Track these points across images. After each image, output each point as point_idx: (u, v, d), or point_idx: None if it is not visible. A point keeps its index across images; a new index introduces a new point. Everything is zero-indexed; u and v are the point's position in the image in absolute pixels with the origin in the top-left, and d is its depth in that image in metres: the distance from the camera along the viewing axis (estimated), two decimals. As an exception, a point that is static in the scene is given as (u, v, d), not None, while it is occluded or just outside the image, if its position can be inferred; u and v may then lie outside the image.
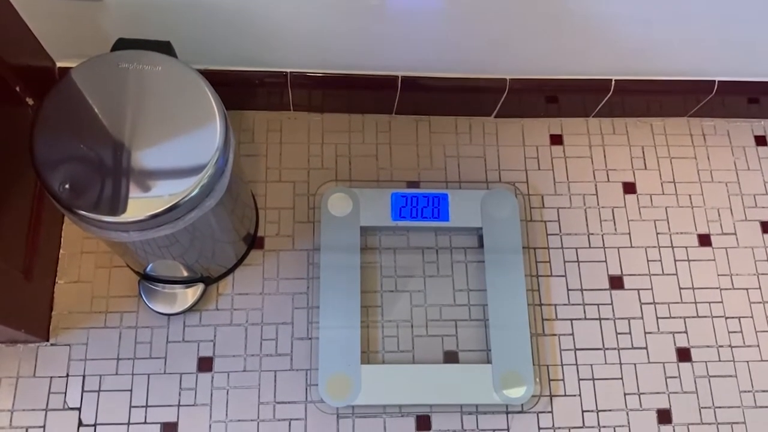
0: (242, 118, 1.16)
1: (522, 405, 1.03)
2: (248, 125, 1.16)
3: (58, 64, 1.03)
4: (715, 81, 1.13)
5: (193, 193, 0.76)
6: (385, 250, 1.10)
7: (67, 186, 0.74)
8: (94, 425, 0.98)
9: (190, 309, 1.03)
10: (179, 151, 0.77)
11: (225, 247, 1.02)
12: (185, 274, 1.01)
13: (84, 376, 1.00)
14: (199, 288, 1.03)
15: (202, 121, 0.78)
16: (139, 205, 0.75)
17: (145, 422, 0.99)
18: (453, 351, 1.06)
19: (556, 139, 1.20)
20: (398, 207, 1.09)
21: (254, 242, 1.09)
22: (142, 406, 0.99)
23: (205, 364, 1.02)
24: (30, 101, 0.96)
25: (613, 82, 1.11)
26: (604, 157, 1.19)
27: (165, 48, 0.83)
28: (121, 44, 0.82)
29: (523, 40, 1.02)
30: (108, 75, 0.79)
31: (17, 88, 0.93)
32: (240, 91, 1.10)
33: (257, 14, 0.93)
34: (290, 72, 1.07)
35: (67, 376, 1.00)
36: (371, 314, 1.06)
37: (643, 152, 1.20)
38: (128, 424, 0.98)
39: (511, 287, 1.07)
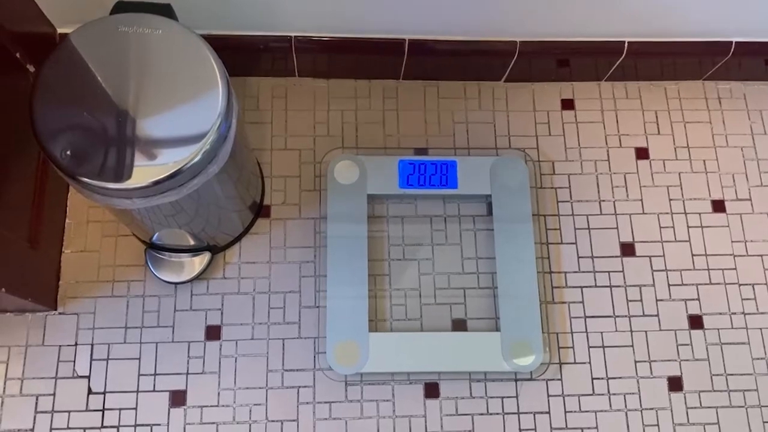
0: (246, 85, 1.14)
1: (531, 372, 1.02)
2: (253, 92, 1.14)
3: (59, 30, 1.01)
4: (731, 42, 1.09)
5: (196, 159, 0.74)
6: (392, 218, 1.09)
7: (68, 153, 0.73)
8: (104, 393, 0.98)
9: (197, 278, 1.02)
10: (181, 117, 0.75)
11: (231, 215, 1.01)
12: (192, 242, 1.01)
13: (92, 345, 1.01)
14: (205, 256, 1.02)
15: (204, 87, 0.76)
16: (142, 172, 0.73)
17: (154, 390, 0.99)
18: (461, 319, 1.05)
19: (568, 104, 1.17)
20: (406, 174, 1.08)
21: (261, 211, 1.08)
22: (151, 375, 1.00)
23: (213, 333, 1.02)
24: (31, 68, 0.95)
25: (626, 44, 1.08)
26: (617, 121, 1.16)
27: (165, 11, 0.81)
28: (121, 7, 0.80)
29: (532, 2, 0.99)
30: (107, 39, 0.77)
31: (17, 55, 0.91)
32: (244, 56, 1.08)
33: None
34: (295, 36, 1.05)
35: (76, 344, 1.00)
36: (379, 283, 1.06)
37: (657, 117, 1.17)
38: (137, 392, 0.99)
39: (520, 255, 1.06)
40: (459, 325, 1.04)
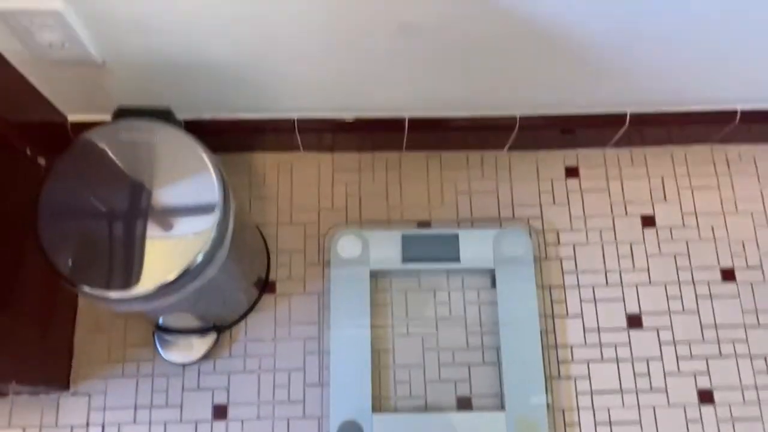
0: (253, 161, 1.16)
1: (537, 451, 1.01)
2: (259, 167, 1.16)
3: (70, 119, 1.04)
4: (736, 110, 1.08)
5: (195, 264, 0.76)
6: (396, 292, 1.10)
7: (70, 263, 0.76)
8: (114, 474, 1.01)
9: (204, 357, 1.04)
10: (178, 225, 0.77)
11: (235, 295, 1.03)
12: (198, 323, 1.02)
13: (103, 425, 1.03)
14: (212, 336, 1.04)
15: (200, 193, 0.78)
16: (141, 281, 0.75)
17: (162, 471, 1.01)
18: (466, 397, 1.05)
19: (572, 172, 1.17)
20: (408, 249, 1.08)
21: (266, 286, 1.10)
22: (160, 455, 1.02)
23: (219, 412, 1.04)
24: (42, 161, 0.98)
25: (628, 116, 1.08)
26: (622, 189, 1.16)
27: (165, 115, 0.84)
28: (121, 113, 0.83)
29: (530, 78, 0.99)
30: (106, 148, 0.79)
31: (27, 151, 0.94)
32: (249, 135, 1.11)
33: (259, 66, 0.92)
34: (297, 118, 1.07)
35: (88, 425, 1.03)
36: (383, 358, 1.06)
37: (663, 183, 1.16)
38: (146, 472, 1.01)
39: (525, 329, 1.05)
40: (464, 403, 1.04)
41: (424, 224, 1.13)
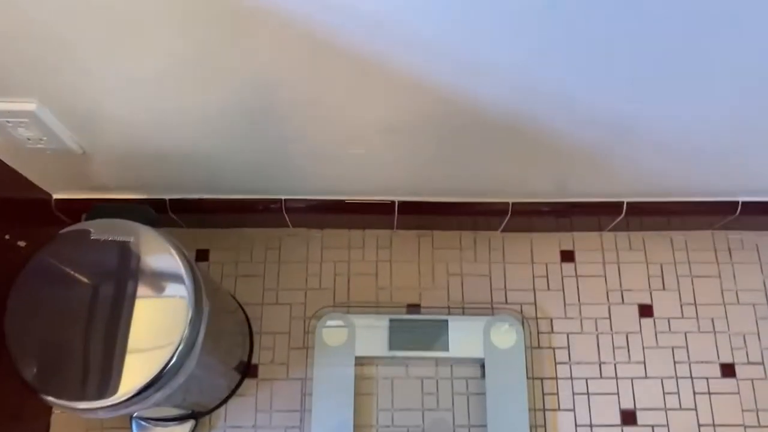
0: (241, 237, 1.14)
1: None
2: (247, 243, 1.14)
3: (55, 196, 1.03)
4: (738, 201, 1.04)
5: (164, 372, 0.74)
6: (382, 379, 1.06)
7: (35, 369, 0.73)
8: None
9: (182, 444, 1.01)
10: (147, 333, 0.75)
11: (215, 383, 1.00)
12: (175, 412, 1.00)
13: None
14: (189, 424, 1.01)
15: (171, 300, 0.76)
16: (105, 391, 0.73)
17: None
18: (450, 495, 1.01)
19: (568, 256, 1.13)
20: (396, 335, 1.05)
21: (248, 370, 1.07)
22: None
23: (195, 502, 1.01)
24: (22, 244, 0.96)
25: (625, 205, 1.04)
26: (619, 275, 1.12)
27: (143, 213, 0.82)
28: (98, 212, 0.81)
29: (524, 168, 0.96)
30: (80, 249, 0.77)
31: (6, 237, 0.93)
32: (238, 213, 1.08)
33: (246, 152, 0.91)
34: (285, 198, 1.05)
35: None
36: (367, 449, 1.03)
37: (662, 270, 1.12)
38: None
39: (514, 424, 1.01)
40: (447, 502, 1.01)
41: (414, 308, 1.10)
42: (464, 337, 1.05)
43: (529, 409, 1.02)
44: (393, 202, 1.05)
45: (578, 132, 0.82)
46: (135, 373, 0.74)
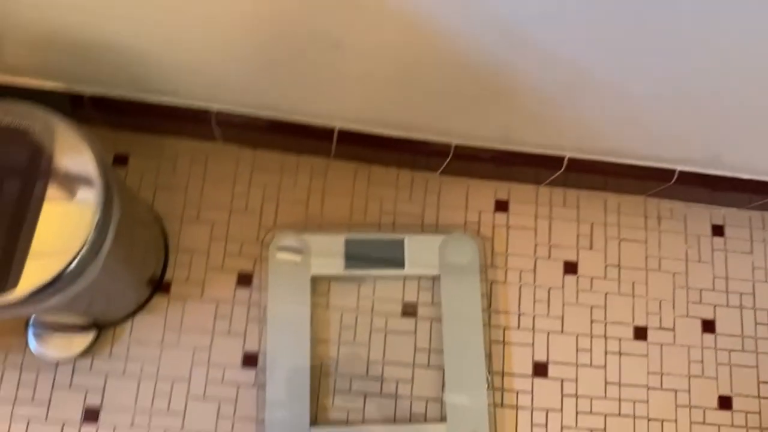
0: (165, 145, 1.07)
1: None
2: (171, 154, 1.07)
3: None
4: (675, 170, 1.05)
5: (68, 269, 0.68)
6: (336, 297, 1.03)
7: None
8: (-38, 472, 0.92)
9: (81, 356, 0.96)
10: (49, 235, 0.68)
11: (121, 294, 0.94)
12: (76, 320, 0.94)
13: (-43, 416, 0.94)
14: (92, 334, 0.96)
15: (79, 204, 0.69)
16: (7, 285, 0.67)
17: (16, 474, 0.93)
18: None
19: (502, 206, 1.12)
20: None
21: (160, 286, 1.02)
22: (16, 457, 0.93)
23: (90, 416, 0.96)
24: None
25: (566, 160, 1.03)
26: (549, 230, 1.12)
27: (56, 102, 0.74)
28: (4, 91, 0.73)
29: (470, 110, 0.93)
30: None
31: None
32: (162, 119, 1.01)
33: (170, 53, 0.83)
34: (217, 110, 0.98)
35: (-61, 414, 0.94)
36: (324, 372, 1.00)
37: (592, 230, 1.13)
38: (-2, 474, 0.93)
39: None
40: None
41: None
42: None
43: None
44: (333, 129, 1.00)
45: (535, 76, 0.79)
46: (34, 274, 0.67)
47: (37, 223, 0.68)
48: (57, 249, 0.69)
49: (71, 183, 0.70)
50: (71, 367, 0.97)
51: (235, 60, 0.84)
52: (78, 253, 0.69)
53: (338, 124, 0.99)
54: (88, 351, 0.96)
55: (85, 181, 0.70)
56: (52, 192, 0.69)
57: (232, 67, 0.86)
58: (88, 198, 0.70)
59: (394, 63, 0.80)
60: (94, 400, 0.97)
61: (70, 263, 0.68)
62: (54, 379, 0.97)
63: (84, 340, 0.96)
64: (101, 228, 0.70)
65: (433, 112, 0.95)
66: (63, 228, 0.69)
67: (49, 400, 0.96)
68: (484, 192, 1.12)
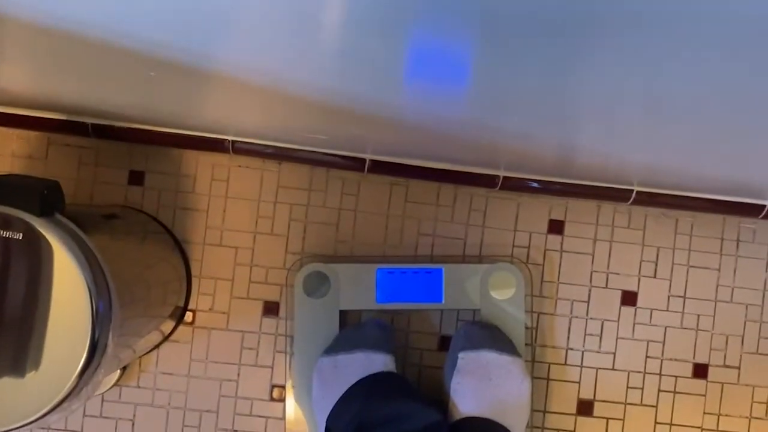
0: (182, 160, 0.97)
1: None
2: (189, 170, 0.97)
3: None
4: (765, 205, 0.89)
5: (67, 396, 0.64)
6: (330, 341, 0.98)
7: None
8: (5, 496, 0.95)
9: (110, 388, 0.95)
10: (43, 355, 0.63)
11: (144, 341, 0.91)
12: (99, 362, 0.91)
13: (-4, 443, 0.96)
14: (118, 371, 0.94)
15: (71, 316, 0.63)
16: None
17: (56, 499, 0.96)
18: None
19: (556, 227, 0.99)
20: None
21: (184, 315, 0.97)
22: (53, 485, 0.96)
23: (124, 442, 0.97)
24: None
25: (634, 193, 0.89)
26: (609, 256, 0.99)
27: (34, 193, 0.65)
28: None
29: (517, 143, 0.79)
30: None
31: None
32: (179, 140, 0.91)
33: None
34: (233, 140, 0.87)
35: (-22, 441, 0.96)
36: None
37: (658, 255, 1.00)
38: (39, 499, 0.96)
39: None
40: None
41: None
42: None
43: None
44: (364, 160, 0.87)
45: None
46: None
47: (29, 347, 0.63)
48: (56, 368, 0.64)
49: (59, 295, 0.63)
50: (100, 395, 0.96)
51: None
52: (80, 370, 0.63)
53: (369, 155, 0.87)
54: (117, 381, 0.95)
55: (73, 287, 0.63)
56: (41, 307, 0.63)
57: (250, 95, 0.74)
58: (79, 306, 0.63)
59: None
60: (124, 429, 0.96)
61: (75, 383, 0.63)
62: (84, 408, 0.96)
63: (111, 377, 0.94)
64: (100, 327, 0.64)
65: (481, 147, 0.81)
66: (57, 344, 0.64)
67: (81, 429, 0.96)
68: (536, 211, 0.99)
